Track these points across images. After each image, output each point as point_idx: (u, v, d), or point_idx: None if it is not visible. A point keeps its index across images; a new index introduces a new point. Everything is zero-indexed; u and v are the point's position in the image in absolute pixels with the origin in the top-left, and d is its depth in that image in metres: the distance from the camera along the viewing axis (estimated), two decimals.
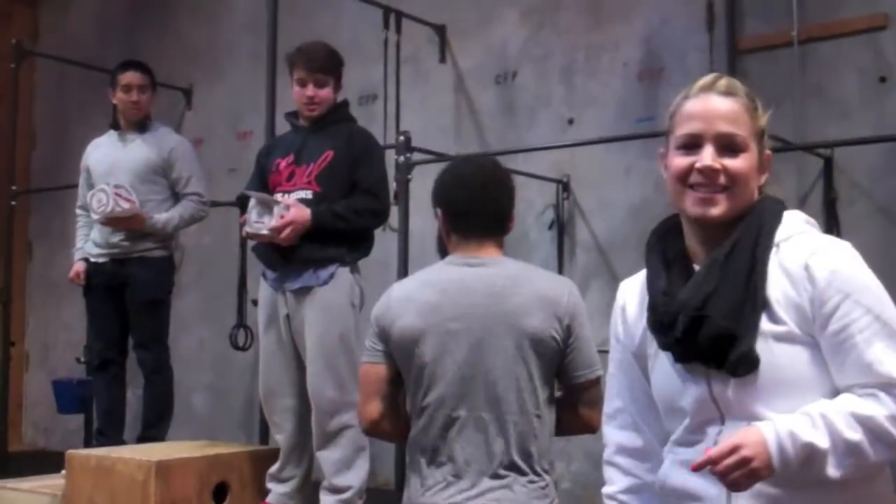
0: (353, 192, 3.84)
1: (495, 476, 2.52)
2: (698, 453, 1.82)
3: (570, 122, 5.48)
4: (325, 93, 3.96)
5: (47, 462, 5.18)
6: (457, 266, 2.68)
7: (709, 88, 1.96)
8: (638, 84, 5.28)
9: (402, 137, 4.80)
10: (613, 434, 2.14)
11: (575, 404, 2.69)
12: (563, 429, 2.74)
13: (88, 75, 7.16)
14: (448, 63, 5.94)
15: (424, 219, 5.57)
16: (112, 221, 4.65)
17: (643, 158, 5.19)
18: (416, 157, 4.87)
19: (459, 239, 2.75)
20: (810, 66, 4.83)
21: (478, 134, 5.80)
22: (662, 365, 1.98)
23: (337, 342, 3.77)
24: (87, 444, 5.33)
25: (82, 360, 5.41)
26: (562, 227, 5.42)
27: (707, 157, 1.92)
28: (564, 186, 5.41)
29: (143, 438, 4.73)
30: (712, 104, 1.94)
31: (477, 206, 2.72)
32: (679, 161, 1.96)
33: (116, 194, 4.58)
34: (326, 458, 3.77)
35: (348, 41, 5.86)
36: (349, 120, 4.05)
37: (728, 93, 1.95)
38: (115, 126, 4.96)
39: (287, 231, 3.72)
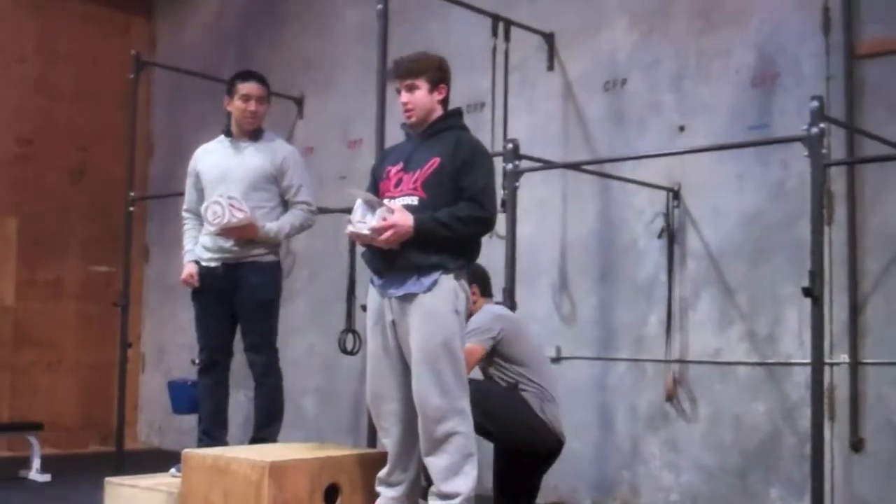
0: (459, 200, 3.83)
1: None
2: None
3: (681, 129, 5.41)
4: (418, 97, 3.96)
5: (162, 461, 5.31)
6: (499, 306, 4.75)
7: None
8: (751, 90, 5.19)
9: (510, 145, 4.81)
10: None
11: None
12: None
13: (203, 85, 7.36)
14: (556, 70, 5.93)
15: (532, 226, 5.63)
16: (227, 231, 4.74)
17: (756, 166, 5.11)
18: (524, 164, 4.88)
19: (488, 297, 4.72)
20: None
21: (586, 141, 5.78)
22: None
23: (440, 349, 3.77)
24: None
25: (196, 361, 5.54)
26: (672, 236, 5.36)
27: None
28: (675, 194, 5.35)
29: (255, 440, 4.81)
30: None
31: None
32: None
33: (231, 205, 4.67)
34: (434, 464, 3.77)
35: (457, 50, 5.90)
36: (460, 128, 4.04)
37: None
38: (228, 133, 5.03)
39: (387, 234, 3.74)
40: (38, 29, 7.88)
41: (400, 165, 3.93)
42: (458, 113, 4.07)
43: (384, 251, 3.80)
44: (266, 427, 4.84)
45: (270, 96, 5.14)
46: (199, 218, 4.91)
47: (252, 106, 4.90)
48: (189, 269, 4.93)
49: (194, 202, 5.00)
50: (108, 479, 4.36)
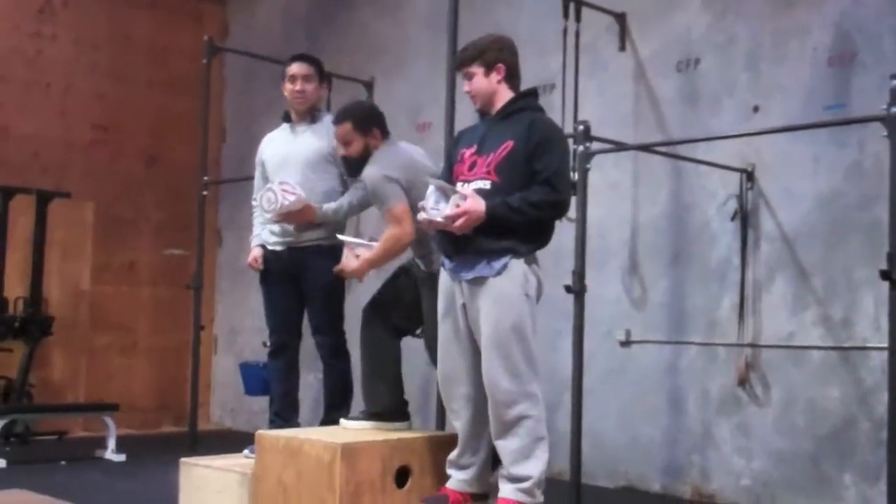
0: (532, 183, 3.81)
1: None
2: None
3: (756, 109, 5.31)
4: (475, 83, 3.97)
5: (234, 441, 5.39)
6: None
7: None
8: (828, 70, 5.07)
9: (580, 127, 4.76)
10: None
11: None
12: None
13: (274, 70, 7.38)
14: (628, 51, 5.86)
15: (603, 209, 5.58)
16: (285, 217, 4.77)
17: (832, 146, 5.00)
18: (595, 146, 4.84)
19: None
20: None
21: (658, 122, 5.71)
22: None
23: (510, 332, 3.77)
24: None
25: (268, 344, 5.60)
26: (745, 218, 5.27)
27: None
28: (748, 176, 5.26)
29: (326, 422, 4.85)
30: None
31: None
32: None
33: (283, 190, 4.70)
34: (504, 447, 3.78)
35: (527, 32, 5.87)
36: (534, 109, 4.00)
37: None
38: (287, 119, 5.08)
39: (460, 221, 3.75)
40: (111, 16, 8.01)
41: (474, 148, 3.93)
42: (532, 93, 4.04)
43: (455, 235, 3.81)
44: (336, 409, 4.88)
45: (323, 75, 5.15)
46: None
47: (298, 85, 4.94)
48: (254, 252, 5.01)
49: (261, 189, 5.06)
50: (182, 459, 4.43)
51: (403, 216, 4.23)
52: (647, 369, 5.65)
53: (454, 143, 4.21)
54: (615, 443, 5.71)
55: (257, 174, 5.15)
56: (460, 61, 4.02)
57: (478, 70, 3.95)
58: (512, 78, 3.99)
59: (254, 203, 5.17)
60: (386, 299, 4.51)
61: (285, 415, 4.91)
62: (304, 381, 5.33)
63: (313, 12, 7.90)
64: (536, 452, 3.76)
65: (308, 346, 5.11)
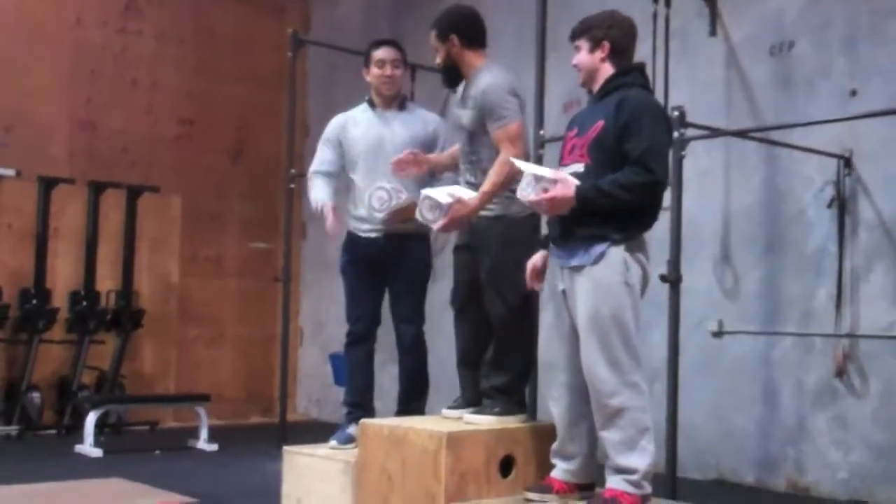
0: (625, 165, 3.73)
1: None
2: None
3: (853, 93, 5.20)
4: (580, 58, 3.91)
5: (322, 431, 5.40)
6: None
7: None
8: None
9: (675, 112, 4.67)
10: None
11: None
12: None
13: (357, 62, 7.38)
14: (719, 36, 5.78)
15: (693, 197, 5.50)
16: (393, 215, 4.76)
17: None
18: (690, 132, 4.76)
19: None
20: None
21: (750, 108, 5.62)
22: None
23: (609, 321, 3.69)
24: None
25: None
26: (843, 205, 5.17)
27: None
28: (846, 162, 5.15)
29: (400, 413, 4.75)
30: None
31: None
32: None
33: (395, 189, 4.72)
34: (608, 438, 3.72)
35: None
36: (632, 85, 3.89)
37: None
38: (371, 104, 5.04)
39: (544, 206, 3.72)
40: (194, 11, 8.12)
41: (575, 131, 3.88)
42: (631, 70, 3.91)
43: (561, 220, 3.78)
44: (415, 400, 4.83)
45: (407, 63, 5.12)
46: (331, 177, 4.92)
47: (388, 70, 4.89)
48: (327, 206, 4.82)
49: (332, 164, 4.91)
50: (285, 447, 4.46)
51: (518, 137, 4.19)
52: (740, 361, 5.57)
53: (567, 127, 4.14)
54: (706, 435, 5.64)
55: (328, 150, 5.00)
56: (572, 33, 3.98)
57: (584, 45, 3.90)
58: (618, 56, 3.88)
59: (314, 175, 5.01)
60: (457, 294, 4.50)
61: (367, 405, 4.87)
62: (392, 373, 5.33)
63: (394, 5, 7.90)
64: (641, 443, 3.69)
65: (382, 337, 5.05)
